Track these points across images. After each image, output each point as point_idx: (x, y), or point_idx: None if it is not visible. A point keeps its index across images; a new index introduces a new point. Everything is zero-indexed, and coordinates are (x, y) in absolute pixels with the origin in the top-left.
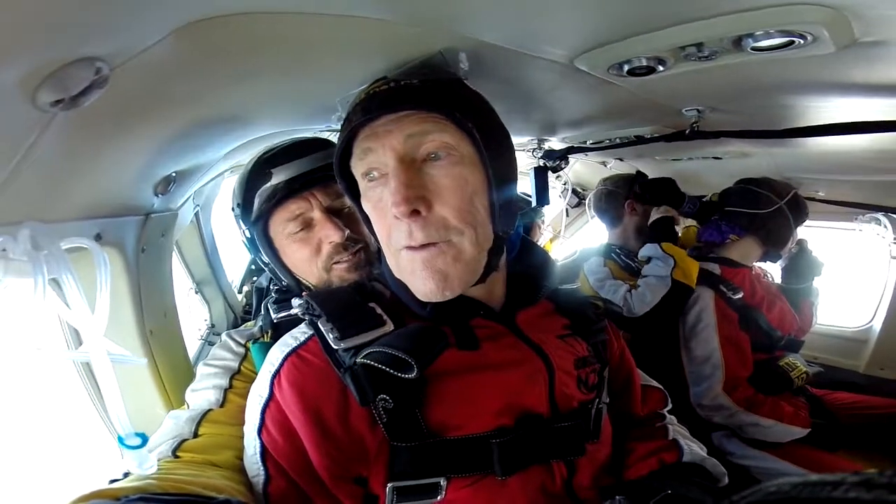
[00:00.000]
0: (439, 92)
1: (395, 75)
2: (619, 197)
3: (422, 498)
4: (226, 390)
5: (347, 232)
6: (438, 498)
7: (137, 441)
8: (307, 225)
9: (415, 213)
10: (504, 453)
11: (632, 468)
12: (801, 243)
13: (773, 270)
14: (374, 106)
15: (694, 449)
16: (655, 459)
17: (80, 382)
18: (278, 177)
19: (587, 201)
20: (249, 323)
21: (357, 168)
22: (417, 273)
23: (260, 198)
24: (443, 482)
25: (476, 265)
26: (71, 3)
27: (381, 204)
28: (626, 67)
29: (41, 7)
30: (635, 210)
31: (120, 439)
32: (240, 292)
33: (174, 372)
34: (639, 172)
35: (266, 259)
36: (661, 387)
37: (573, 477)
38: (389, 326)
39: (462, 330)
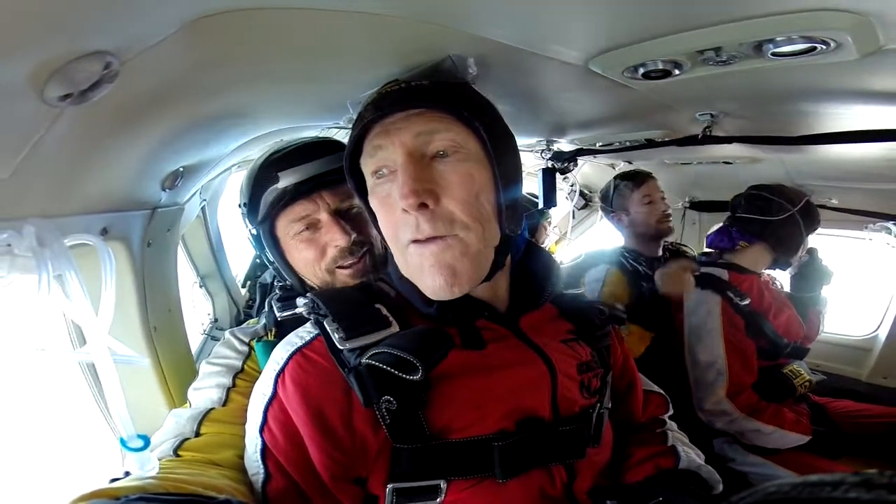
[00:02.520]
0: (448, 93)
1: (406, 78)
2: (608, 210)
3: (421, 500)
4: (229, 389)
5: (354, 235)
6: (438, 500)
7: (140, 443)
8: (313, 226)
9: (422, 206)
10: (505, 456)
11: (629, 472)
12: (811, 252)
13: (782, 278)
14: (385, 104)
15: (691, 456)
16: (652, 465)
17: (83, 381)
18: (286, 180)
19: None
20: (252, 321)
21: (367, 165)
22: (426, 269)
23: (267, 199)
24: (443, 484)
25: (483, 261)
26: None
27: (389, 199)
28: (641, 70)
29: (50, 1)
30: (620, 218)
31: (122, 441)
32: (243, 287)
33: (177, 368)
34: (616, 177)
35: (271, 257)
36: (662, 392)
37: (573, 481)
38: (395, 328)
39: (468, 330)
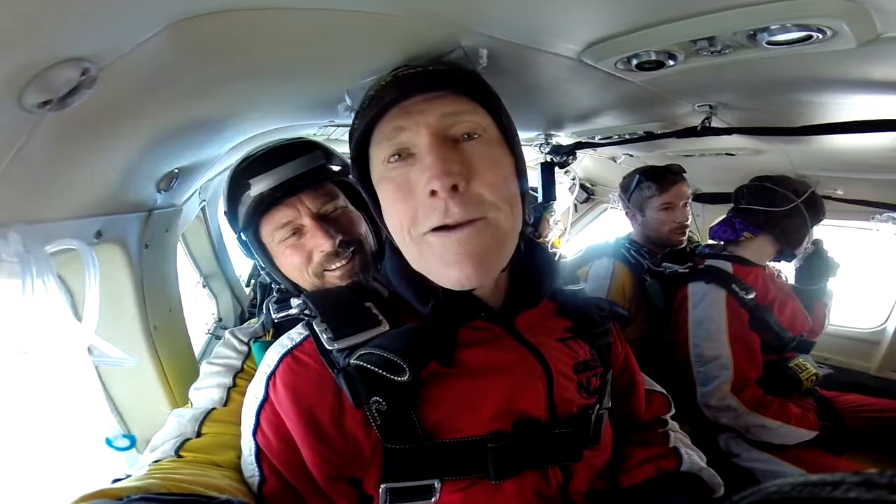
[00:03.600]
0: (469, 78)
1: (416, 64)
2: (624, 202)
3: (415, 500)
4: (229, 389)
5: (339, 238)
6: (432, 500)
7: (126, 443)
8: (298, 231)
9: (454, 188)
10: (499, 458)
11: (629, 474)
12: (816, 243)
13: (787, 270)
14: (407, 86)
15: (693, 458)
16: (653, 466)
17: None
18: (258, 187)
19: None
20: (252, 320)
21: (381, 149)
22: (451, 258)
23: (243, 208)
24: (437, 484)
25: (510, 246)
26: (52, 3)
27: (406, 185)
28: (634, 62)
29: (21, 8)
30: (634, 216)
31: (108, 441)
32: (248, 285)
33: (178, 368)
34: (642, 172)
35: (261, 262)
36: (664, 391)
37: (569, 482)
38: (385, 327)
39: (447, 341)
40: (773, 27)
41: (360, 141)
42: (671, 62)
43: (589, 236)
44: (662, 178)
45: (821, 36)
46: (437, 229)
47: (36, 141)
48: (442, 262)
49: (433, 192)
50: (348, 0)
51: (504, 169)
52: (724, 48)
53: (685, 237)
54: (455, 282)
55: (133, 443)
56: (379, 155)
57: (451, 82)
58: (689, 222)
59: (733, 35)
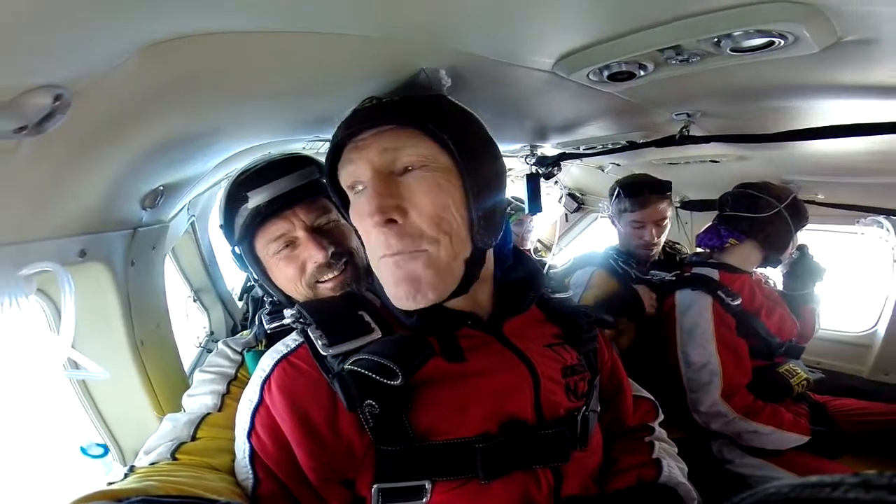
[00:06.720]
0: (417, 107)
1: (381, 94)
2: (609, 212)
3: (407, 500)
4: (223, 395)
5: (332, 250)
6: (423, 500)
7: (100, 451)
8: (292, 243)
9: (390, 221)
10: (487, 458)
11: (613, 479)
12: (801, 248)
13: (775, 276)
14: (355, 122)
15: (673, 471)
16: (635, 475)
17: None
18: (255, 200)
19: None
20: (245, 332)
21: (343, 180)
22: (391, 280)
23: (239, 220)
24: (428, 485)
25: (449, 274)
26: (19, 33)
27: (363, 215)
28: (605, 73)
29: None
30: (613, 223)
31: (82, 449)
32: (241, 299)
33: (166, 381)
34: (622, 185)
35: (255, 275)
36: (651, 398)
37: (560, 485)
38: (377, 334)
39: (448, 341)
40: (735, 34)
41: (330, 171)
42: (642, 72)
43: (581, 246)
44: (639, 195)
45: (783, 42)
46: (384, 256)
47: (15, 165)
48: (387, 283)
49: (376, 223)
50: (318, 24)
51: (446, 199)
52: (691, 56)
53: (654, 254)
54: (396, 300)
55: (106, 450)
56: (344, 184)
57: (396, 114)
58: (657, 241)
59: (698, 43)
